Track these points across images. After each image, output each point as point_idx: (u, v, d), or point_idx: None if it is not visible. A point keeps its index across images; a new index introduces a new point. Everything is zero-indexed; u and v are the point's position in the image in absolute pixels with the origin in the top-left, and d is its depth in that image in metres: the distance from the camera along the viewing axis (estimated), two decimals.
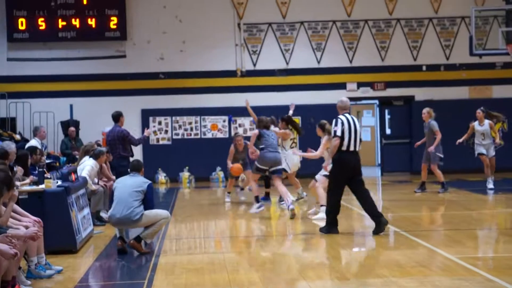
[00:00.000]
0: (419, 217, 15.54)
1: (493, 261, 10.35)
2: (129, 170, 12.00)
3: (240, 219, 15.49)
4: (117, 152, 16.15)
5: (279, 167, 15.84)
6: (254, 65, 26.02)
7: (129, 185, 11.40)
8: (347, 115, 12.87)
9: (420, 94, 26.01)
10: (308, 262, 10.60)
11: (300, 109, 25.15)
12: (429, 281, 8.86)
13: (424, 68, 26.19)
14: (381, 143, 26.84)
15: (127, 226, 11.54)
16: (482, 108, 19.56)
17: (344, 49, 26.11)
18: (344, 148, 12.58)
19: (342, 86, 26.06)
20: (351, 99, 26.14)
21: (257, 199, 16.01)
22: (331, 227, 12.82)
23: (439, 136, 18.60)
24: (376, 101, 27.63)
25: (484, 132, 19.30)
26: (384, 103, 26.86)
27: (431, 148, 18.59)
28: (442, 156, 18.81)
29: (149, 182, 11.56)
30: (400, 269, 9.64)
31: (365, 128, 31.21)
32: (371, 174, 27.52)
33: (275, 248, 12.11)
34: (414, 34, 26.22)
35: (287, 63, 26.06)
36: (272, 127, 16.70)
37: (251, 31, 26.00)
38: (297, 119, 25.13)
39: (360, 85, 26.21)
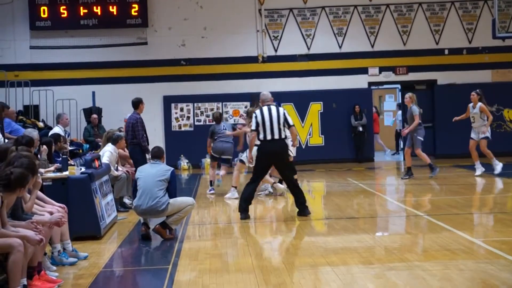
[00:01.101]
0: (442, 201, 15.48)
1: None
2: (150, 158, 12.00)
3: (262, 204, 15.51)
4: (128, 138, 15.90)
5: (226, 156, 17.61)
6: (276, 50, 25.98)
7: (153, 174, 11.41)
8: (264, 107, 13.35)
9: (442, 78, 25.90)
10: (331, 247, 10.59)
11: (322, 95, 25.21)
12: (454, 264, 8.84)
13: (446, 52, 26.04)
14: (404, 128, 26.70)
15: (153, 216, 11.58)
16: (477, 90, 19.45)
17: (366, 34, 26.01)
18: (261, 138, 13.20)
19: (364, 71, 25.99)
20: (373, 83, 26.28)
21: (211, 183, 17.71)
22: (245, 213, 13.26)
23: (416, 121, 18.81)
24: (398, 86, 27.52)
25: (474, 115, 19.22)
26: (406, 87, 26.68)
27: (404, 132, 18.99)
28: (422, 139, 18.95)
29: (172, 169, 11.59)
30: (424, 253, 9.64)
31: (388, 112, 31.17)
32: (394, 158, 27.50)
33: (298, 233, 12.12)
34: (436, 17, 26.07)
35: (309, 49, 25.99)
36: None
37: (272, 17, 25.95)
38: (319, 104, 25.20)
39: (382, 69, 26.11)
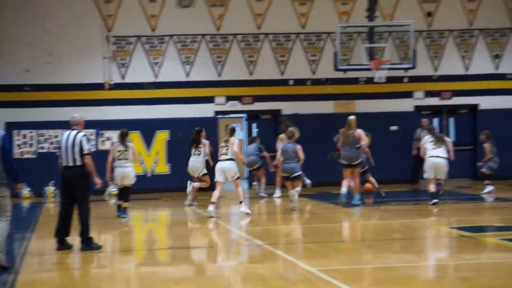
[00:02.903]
0: (282, 230, 15.73)
1: (352, 272, 10.57)
2: None
3: (104, 233, 15.29)
4: None
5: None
6: (123, 78, 25.80)
7: None
8: (66, 132, 13.11)
9: (287, 107, 26.36)
10: (171, 277, 10.55)
11: (168, 123, 25.19)
12: None
13: (291, 82, 26.60)
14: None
15: None
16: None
17: (213, 63, 26.24)
18: (61, 162, 12.97)
19: (210, 99, 26.16)
20: (219, 112, 26.48)
21: None
22: (60, 244, 12.92)
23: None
24: (245, 115, 27.83)
25: None
26: (252, 116, 27.13)
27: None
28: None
29: (3, 133, 11.29)
30: (263, 282, 9.72)
31: None
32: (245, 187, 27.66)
33: (138, 263, 12.01)
34: (281, 48, 26.61)
35: (156, 76, 25.96)
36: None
37: (120, 44, 25.79)
38: (165, 133, 25.16)
39: (228, 98, 26.36)
